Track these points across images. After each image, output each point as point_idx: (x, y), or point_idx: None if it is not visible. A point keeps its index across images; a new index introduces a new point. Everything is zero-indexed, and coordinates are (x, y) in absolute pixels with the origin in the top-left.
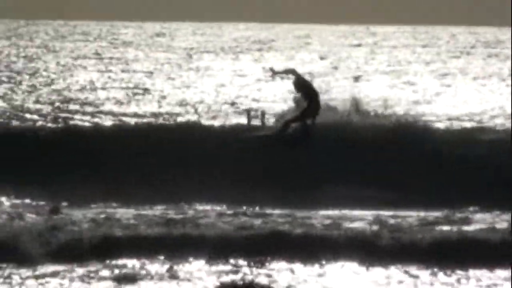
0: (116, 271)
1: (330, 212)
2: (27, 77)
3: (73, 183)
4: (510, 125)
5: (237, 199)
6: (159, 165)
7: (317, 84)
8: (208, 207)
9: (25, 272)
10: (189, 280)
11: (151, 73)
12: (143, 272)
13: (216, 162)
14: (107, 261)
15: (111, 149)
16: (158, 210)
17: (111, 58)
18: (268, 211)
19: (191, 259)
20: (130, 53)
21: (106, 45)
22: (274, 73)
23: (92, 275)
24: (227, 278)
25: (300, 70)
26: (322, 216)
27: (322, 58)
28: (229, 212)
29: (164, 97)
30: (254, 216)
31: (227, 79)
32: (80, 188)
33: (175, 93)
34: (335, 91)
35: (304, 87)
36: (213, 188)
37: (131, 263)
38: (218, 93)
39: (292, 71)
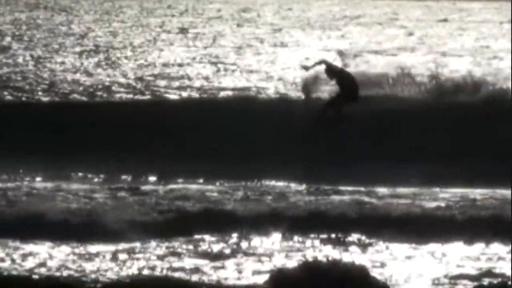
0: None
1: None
2: (114, 52)
3: (158, 158)
4: None
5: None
6: (244, 139)
7: (403, 59)
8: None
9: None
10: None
11: (238, 48)
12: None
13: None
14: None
15: (198, 123)
16: (241, 186)
17: (197, 33)
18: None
19: (269, 234)
20: (216, 28)
21: (192, 20)
22: (307, 69)
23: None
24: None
25: (388, 46)
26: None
27: (409, 34)
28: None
29: (251, 72)
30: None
31: (313, 54)
32: (164, 164)
33: (262, 68)
34: (422, 67)
35: (336, 75)
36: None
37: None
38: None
39: (323, 62)
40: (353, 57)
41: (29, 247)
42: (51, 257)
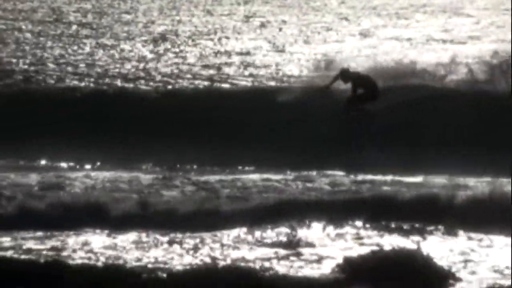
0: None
1: None
2: (180, 40)
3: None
4: None
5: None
6: (308, 128)
7: (471, 48)
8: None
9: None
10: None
11: (304, 36)
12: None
13: None
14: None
15: (265, 112)
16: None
17: (263, 21)
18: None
19: (311, 224)
20: (282, 16)
21: (258, 9)
22: (326, 88)
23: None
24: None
25: (455, 34)
26: None
27: (476, 23)
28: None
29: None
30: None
31: (380, 43)
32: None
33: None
34: (490, 56)
35: (351, 79)
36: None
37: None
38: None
39: (340, 70)
40: (421, 45)
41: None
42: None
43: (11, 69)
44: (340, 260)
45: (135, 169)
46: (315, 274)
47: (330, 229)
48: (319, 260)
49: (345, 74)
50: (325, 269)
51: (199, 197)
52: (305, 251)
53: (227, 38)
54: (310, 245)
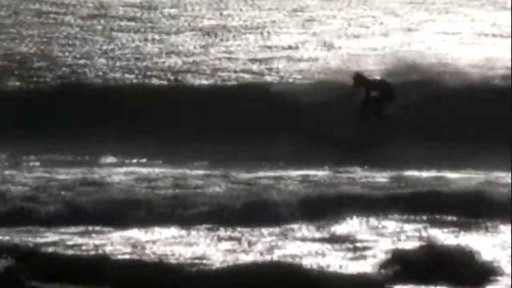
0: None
1: None
2: (227, 33)
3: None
4: None
5: None
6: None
7: None
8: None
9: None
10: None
11: (351, 30)
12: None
13: None
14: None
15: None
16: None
17: (310, 16)
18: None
19: (356, 218)
20: (328, 11)
21: (304, 3)
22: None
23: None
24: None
25: None
26: None
27: None
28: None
29: (365, 56)
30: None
31: (438, 38)
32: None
33: (375, 53)
34: None
35: (365, 84)
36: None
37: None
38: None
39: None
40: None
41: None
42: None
43: (59, 64)
44: (387, 255)
45: (181, 165)
46: (362, 269)
47: (376, 223)
48: (367, 255)
49: (359, 79)
50: (373, 264)
51: (244, 193)
52: (351, 246)
53: (275, 32)
54: (357, 240)
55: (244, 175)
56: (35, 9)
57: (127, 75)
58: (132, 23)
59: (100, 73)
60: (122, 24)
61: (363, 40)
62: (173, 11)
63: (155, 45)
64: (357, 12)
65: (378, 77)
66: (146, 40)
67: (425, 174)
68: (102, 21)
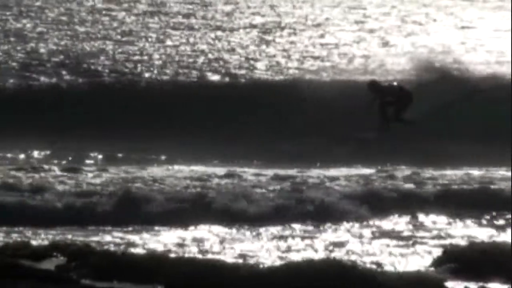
0: None
1: None
2: (287, 30)
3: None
4: None
5: None
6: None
7: None
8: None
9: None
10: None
11: (407, 27)
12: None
13: None
14: None
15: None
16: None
17: (364, 13)
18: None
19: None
20: (382, 8)
21: (359, 1)
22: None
23: None
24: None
25: None
26: None
27: None
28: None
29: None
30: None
31: (492, 36)
32: None
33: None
34: None
35: (380, 92)
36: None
37: None
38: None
39: (371, 84)
40: None
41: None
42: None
43: (115, 61)
44: (443, 252)
45: (235, 161)
46: (419, 266)
47: (425, 221)
48: (423, 252)
49: (374, 87)
50: (430, 261)
51: (293, 191)
52: (407, 243)
53: (330, 29)
54: (412, 237)
55: (294, 173)
56: (90, 6)
57: (184, 71)
58: (187, 20)
59: (156, 71)
60: (177, 21)
61: (417, 38)
62: (228, 8)
63: (210, 42)
64: (411, 9)
65: (394, 83)
66: (201, 37)
67: (476, 172)
68: (157, 19)
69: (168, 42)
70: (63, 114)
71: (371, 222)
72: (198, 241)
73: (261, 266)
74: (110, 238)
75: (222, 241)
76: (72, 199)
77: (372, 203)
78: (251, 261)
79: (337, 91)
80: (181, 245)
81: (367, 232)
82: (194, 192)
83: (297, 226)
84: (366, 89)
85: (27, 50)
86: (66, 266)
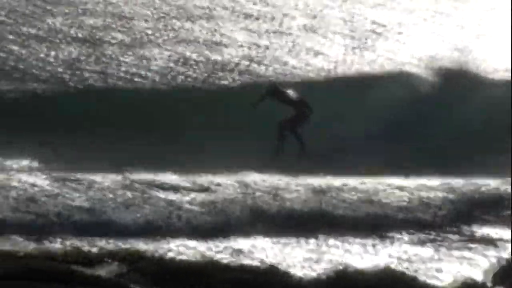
0: None
1: None
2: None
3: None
4: None
5: None
6: None
7: None
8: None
9: None
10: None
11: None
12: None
13: None
14: None
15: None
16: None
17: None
18: None
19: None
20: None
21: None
22: (254, 105)
23: None
24: None
25: None
26: None
27: None
28: None
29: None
30: None
31: None
32: None
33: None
34: None
35: (283, 97)
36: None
37: None
38: None
39: (269, 85)
40: None
41: None
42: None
43: (189, 66)
44: (498, 263)
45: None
46: (471, 275)
47: (474, 229)
48: (476, 262)
49: (271, 90)
50: (482, 271)
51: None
52: (461, 253)
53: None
54: (466, 247)
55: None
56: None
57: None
58: (264, 23)
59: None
60: (255, 23)
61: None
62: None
63: (286, 43)
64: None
65: (293, 93)
66: (279, 38)
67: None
68: (233, 21)
69: (243, 45)
70: None
71: (426, 231)
72: (246, 250)
73: (317, 274)
74: (162, 245)
75: (280, 250)
76: (123, 208)
77: (426, 212)
78: (308, 268)
79: None
80: (233, 252)
81: (420, 241)
82: (252, 202)
83: (349, 238)
84: (264, 93)
85: None
86: (119, 272)
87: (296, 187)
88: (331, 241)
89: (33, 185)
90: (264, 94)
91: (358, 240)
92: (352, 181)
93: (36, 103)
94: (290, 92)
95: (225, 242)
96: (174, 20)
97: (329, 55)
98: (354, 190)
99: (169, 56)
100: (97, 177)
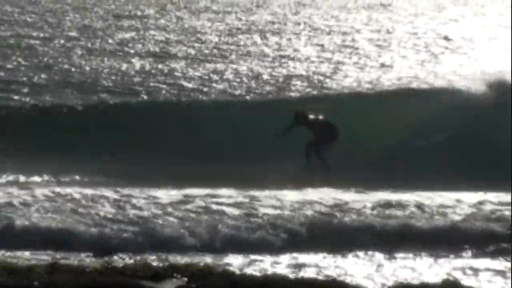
0: None
1: None
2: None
3: None
4: None
5: None
6: None
7: None
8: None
9: None
10: None
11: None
12: None
13: None
14: None
15: None
16: None
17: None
18: None
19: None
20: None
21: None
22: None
23: None
24: None
25: None
26: None
27: None
28: None
29: None
30: None
31: None
32: None
33: None
34: None
35: (307, 123)
36: None
37: None
38: None
39: (296, 116)
40: None
41: None
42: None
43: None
44: None
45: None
46: None
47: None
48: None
49: (300, 117)
50: None
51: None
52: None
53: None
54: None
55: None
56: None
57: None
58: (306, 31)
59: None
60: (294, 31)
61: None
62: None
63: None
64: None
65: (320, 117)
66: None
67: None
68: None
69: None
70: None
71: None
72: (315, 264)
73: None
74: (228, 259)
75: (337, 266)
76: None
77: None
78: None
79: None
80: (297, 267)
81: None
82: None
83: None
84: (292, 122)
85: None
86: (186, 287)
87: (362, 202)
88: (397, 254)
89: (101, 197)
90: (293, 123)
91: (424, 253)
92: (424, 195)
93: (105, 115)
94: (316, 116)
95: (291, 257)
96: (245, 35)
97: (399, 69)
98: (426, 204)
99: (241, 70)
100: (158, 193)
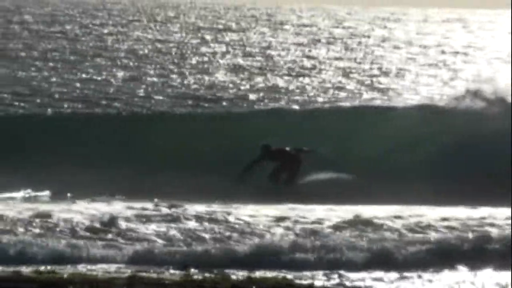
0: None
1: None
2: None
3: None
4: None
5: None
6: None
7: None
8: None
9: None
10: None
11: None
12: None
13: None
14: None
15: None
16: None
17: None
18: None
19: None
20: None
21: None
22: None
23: None
24: None
25: None
26: None
27: None
28: None
29: None
30: None
31: None
32: None
33: None
34: None
35: (274, 157)
36: None
37: None
38: None
39: (263, 150)
40: None
41: None
42: None
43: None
44: None
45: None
46: None
47: None
48: None
49: (267, 153)
50: None
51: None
52: None
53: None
54: None
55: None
56: None
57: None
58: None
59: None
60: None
61: None
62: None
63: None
64: None
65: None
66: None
67: None
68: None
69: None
70: None
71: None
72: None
73: None
74: (306, 273)
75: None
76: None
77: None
78: None
79: None
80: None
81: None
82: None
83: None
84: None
85: None
86: None
87: (392, 218)
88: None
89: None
90: (257, 159)
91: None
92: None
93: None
94: (282, 149)
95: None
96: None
97: None
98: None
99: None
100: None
